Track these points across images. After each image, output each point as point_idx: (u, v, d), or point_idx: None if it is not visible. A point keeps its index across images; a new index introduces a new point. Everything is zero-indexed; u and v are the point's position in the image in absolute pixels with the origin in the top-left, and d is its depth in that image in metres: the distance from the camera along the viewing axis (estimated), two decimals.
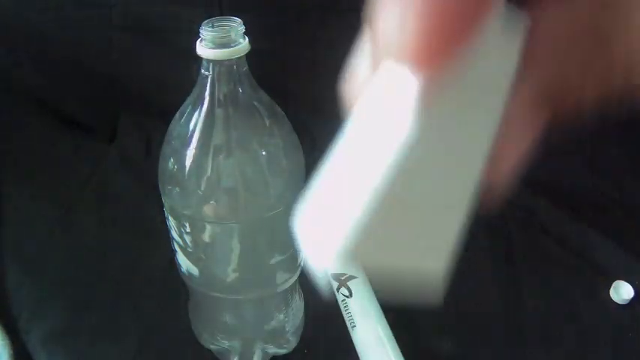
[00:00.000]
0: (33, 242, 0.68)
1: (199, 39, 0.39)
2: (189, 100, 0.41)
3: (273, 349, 0.54)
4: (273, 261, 0.46)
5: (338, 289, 0.58)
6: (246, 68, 0.40)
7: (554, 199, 0.79)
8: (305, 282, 0.54)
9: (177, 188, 0.43)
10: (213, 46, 0.38)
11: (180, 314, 0.55)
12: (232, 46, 0.38)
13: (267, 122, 0.42)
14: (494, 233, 0.72)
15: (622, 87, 0.12)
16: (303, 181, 0.46)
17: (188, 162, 0.41)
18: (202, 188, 0.41)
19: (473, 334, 0.59)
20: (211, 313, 0.52)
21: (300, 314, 0.55)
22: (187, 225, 0.44)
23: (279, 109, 0.43)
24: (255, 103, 0.42)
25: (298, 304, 0.55)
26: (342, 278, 0.59)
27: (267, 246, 0.46)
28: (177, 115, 0.42)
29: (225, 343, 0.53)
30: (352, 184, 0.12)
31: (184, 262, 0.47)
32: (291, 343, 0.55)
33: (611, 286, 0.64)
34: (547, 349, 0.57)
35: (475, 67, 0.12)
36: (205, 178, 0.41)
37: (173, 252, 0.48)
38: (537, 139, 0.14)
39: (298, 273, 0.51)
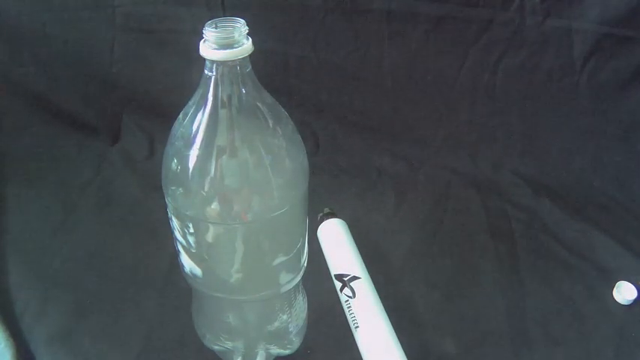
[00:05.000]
0: (36, 243, 0.69)
1: (202, 39, 0.39)
2: (193, 100, 0.41)
3: (276, 350, 0.54)
4: (276, 261, 0.46)
5: (341, 290, 0.58)
6: (249, 69, 0.40)
7: (557, 199, 0.79)
8: (308, 283, 0.54)
9: (180, 189, 0.43)
10: (217, 47, 0.38)
11: (183, 315, 0.55)
12: (236, 47, 0.38)
13: (271, 123, 0.42)
14: (497, 233, 0.72)
15: None
16: (307, 181, 0.46)
17: (192, 163, 0.41)
18: (206, 189, 0.41)
19: (475, 334, 0.59)
20: (214, 314, 0.52)
21: (304, 315, 0.55)
22: (191, 226, 0.44)
23: (282, 109, 0.43)
24: (259, 104, 0.41)
25: (302, 304, 0.55)
26: (346, 279, 0.59)
27: (270, 247, 0.46)
28: (181, 115, 0.42)
29: (229, 344, 0.53)
30: None
31: (188, 263, 0.47)
32: (294, 343, 0.55)
33: (613, 287, 0.64)
34: (549, 349, 0.57)
35: None
36: (209, 178, 0.41)
37: (176, 252, 0.48)
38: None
39: (302, 274, 0.51)
